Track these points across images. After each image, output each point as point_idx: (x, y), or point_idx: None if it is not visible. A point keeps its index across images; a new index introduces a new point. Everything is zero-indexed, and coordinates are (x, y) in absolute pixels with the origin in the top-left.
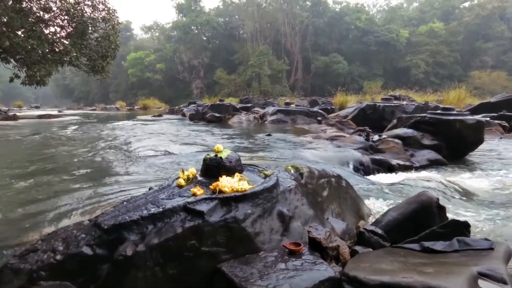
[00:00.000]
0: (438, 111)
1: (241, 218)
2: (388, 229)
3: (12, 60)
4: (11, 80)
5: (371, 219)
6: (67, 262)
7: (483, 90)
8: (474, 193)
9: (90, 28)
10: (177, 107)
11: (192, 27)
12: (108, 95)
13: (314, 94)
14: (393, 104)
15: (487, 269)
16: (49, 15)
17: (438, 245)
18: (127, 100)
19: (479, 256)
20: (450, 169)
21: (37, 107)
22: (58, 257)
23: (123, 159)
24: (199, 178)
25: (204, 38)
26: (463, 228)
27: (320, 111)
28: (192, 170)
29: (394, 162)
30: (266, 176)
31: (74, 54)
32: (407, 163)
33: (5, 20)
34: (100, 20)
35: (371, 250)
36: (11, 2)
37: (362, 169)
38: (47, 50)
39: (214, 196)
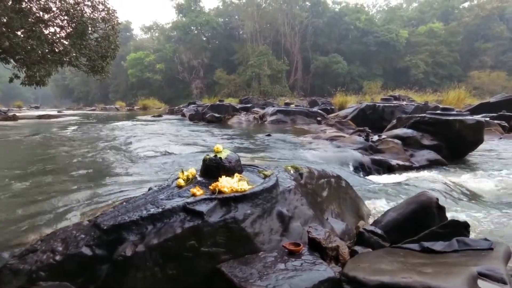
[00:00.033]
0: (438, 111)
1: (241, 219)
2: (388, 229)
3: (11, 60)
4: (11, 80)
5: (371, 219)
6: (66, 262)
7: (483, 90)
8: (474, 193)
9: (89, 29)
10: (176, 107)
11: (192, 27)
12: (107, 95)
13: (314, 94)
14: (392, 104)
15: (486, 269)
16: (48, 15)
17: (438, 245)
18: (126, 100)
19: (479, 256)
20: (449, 169)
21: (36, 108)
22: (58, 257)
23: (123, 160)
24: (199, 178)
25: (204, 38)
26: (462, 228)
27: (319, 111)
28: (192, 170)
29: (394, 162)
30: (265, 176)
31: (74, 54)
32: (407, 163)
33: (4, 20)
34: (100, 21)
35: (370, 250)
36: (10, 2)
37: (362, 170)
38: (46, 51)
39: (213, 196)
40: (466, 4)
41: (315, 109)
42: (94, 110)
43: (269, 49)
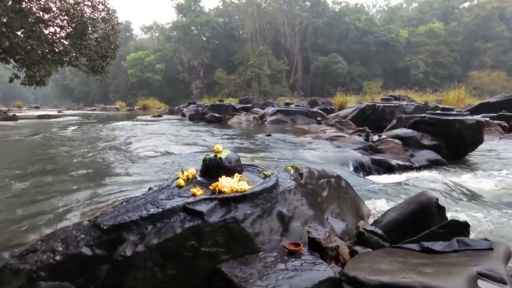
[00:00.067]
0: (438, 111)
1: (241, 219)
2: (388, 229)
3: (11, 60)
4: (11, 80)
5: (371, 219)
6: (66, 262)
7: (483, 90)
8: (474, 193)
9: (89, 29)
10: (176, 107)
11: (192, 27)
12: (107, 95)
13: (314, 94)
14: (392, 104)
15: (486, 269)
16: (48, 15)
17: (438, 245)
18: (126, 100)
19: (479, 256)
20: (449, 169)
21: (36, 108)
22: (58, 257)
23: (123, 160)
24: (199, 178)
25: (204, 38)
26: (462, 228)
27: (319, 111)
28: (192, 170)
29: (394, 162)
30: (265, 176)
31: (74, 54)
32: (407, 163)
33: (4, 20)
34: (100, 21)
35: (370, 250)
36: (10, 2)
37: (362, 169)
38: (46, 51)
39: (213, 196)
40: (466, 4)
41: (315, 109)
42: (94, 110)
43: (269, 49)
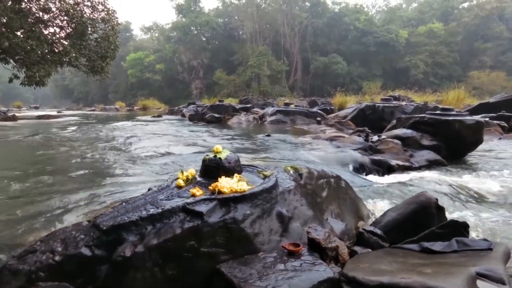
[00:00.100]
0: (437, 112)
1: (240, 219)
2: (387, 229)
3: (11, 60)
4: (11, 80)
5: (370, 220)
6: (65, 263)
7: (482, 90)
8: (473, 193)
9: (89, 29)
10: (176, 107)
11: (192, 27)
12: (107, 96)
13: (314, 95)
14: (392, 105)
15: (485, 269)
16: (48, 15)
17: (437, 246)
18: (126, 100)
19: (478, 256)
20: (449, 170)
21: (36, 108)
22: (57, 258)
23: (122, 160)
24: (198, 178)
25: (204, 39)
26: (462, 228)
27: (319, 111)
28: (191, 170)
29: (394, 162)
30: (265, 176)
31: (74, 54)
32: (407, 164)
33: (4, 20)
34: (100, 21)
35: (370, 250)
36: (10, 2)
37: (362, 170)
38: (46, 51)
39: (213, 197)
40: (465, 4)
41: (314, 109)
42: (93, 110)
43: (269, 50)
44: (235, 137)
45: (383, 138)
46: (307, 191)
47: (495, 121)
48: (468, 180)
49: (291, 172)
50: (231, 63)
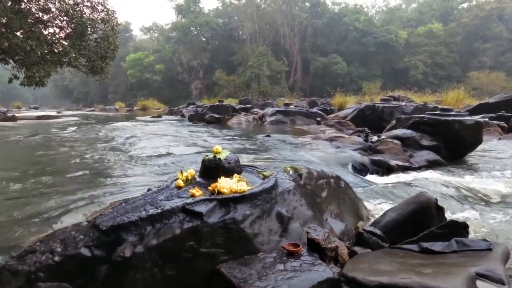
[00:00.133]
0: (437, 112)
1: (240, 219)
2: (387, 229)
3: (11, 61)
4: (10, 81)
5: (370, 220)
6: (65, 263)
7: (482, 90)
8: (473, 193)
9: (89, 29)
10: (176, 108)
11: (191, 28)
12: (107, 96)
13: (313, 95)
14: (392, 105)
15: (485, 269)
16: (48, 16)
17: (437, 246)
18: (126, 101)
19: (477, 256)
20: (449, 170)
21: (36, 108)
22: (56, 258)
23: (122, 160)
24: (198, 179)
25: (203, 39)
26: (461, 228)
27: (319, 112)
28: (191, 171)
29: (393, 162)
30: (265, 177)
31: (73, 55)
32: (406, 164)
33: (4, 21)
34: (99, 21)
35: (369, 251)
36: (10, 3)
37: (361, 170)
38: (46, 51)
39: (212, 197)
40: (465, 5)
41: (314, 109)
42: (93, 110)
43: (269, 50)
44: (234, 137)
45: (383, 139)
46: (306, 191)
47: (494, 122)
48: (467, 180)
49: (291, 172)
50: (231, 64)
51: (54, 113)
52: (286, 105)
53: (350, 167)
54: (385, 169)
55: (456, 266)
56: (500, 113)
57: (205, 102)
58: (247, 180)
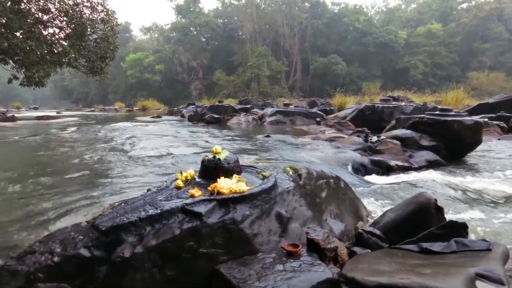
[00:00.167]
0: (437, 112)
1: (239, 220)
2: (386, 230)
3: (10, 61)
4: (10, 81)
5: (370, 220)
6: (64, 263)
7: (481, 91)
8: (472, 194)
9: (89, 30)
10: (176, 108)
11: (191, 28)
12: (107, 96)
13: (313, 95)
14: (391, 105)
15: (484, 270)
16: (47, 16)
17: (436, 246)
18: (126, 101)
19: (477, 257)
20: (448, 170)
21: (35, 108)
22: (56, 259)
23: (122, 161)
24: (197, 179)
25: (203, 39)
26: (461, 229)
27: (319, 112)
28: (191, 171)
29: (393, 163)
30: (264, 177)
31: (73, 55)
32: (406, 164)
33: (3, 21)
34: (99, 22)
35: (369, 251)
36: (9, 3)
37: (361, 170)
38: (45, 51)
39: (212, 197)
40: (464, 5)
41: (314, 110)
42: (93, 111)
43: (268, 50)
44: (234, 137)
45: (383, 139)
46: (306, 191)
47: (494, 122)
48: (467, 180)
49: (290, 172)
50: (231, 64)
51: (53, 113)
52: (286, 105)
53: (349, 167)
54: (385, 169)
55: (455, 266)
56: (499, 113)
57: (205, 103)
58: (246, 181)
